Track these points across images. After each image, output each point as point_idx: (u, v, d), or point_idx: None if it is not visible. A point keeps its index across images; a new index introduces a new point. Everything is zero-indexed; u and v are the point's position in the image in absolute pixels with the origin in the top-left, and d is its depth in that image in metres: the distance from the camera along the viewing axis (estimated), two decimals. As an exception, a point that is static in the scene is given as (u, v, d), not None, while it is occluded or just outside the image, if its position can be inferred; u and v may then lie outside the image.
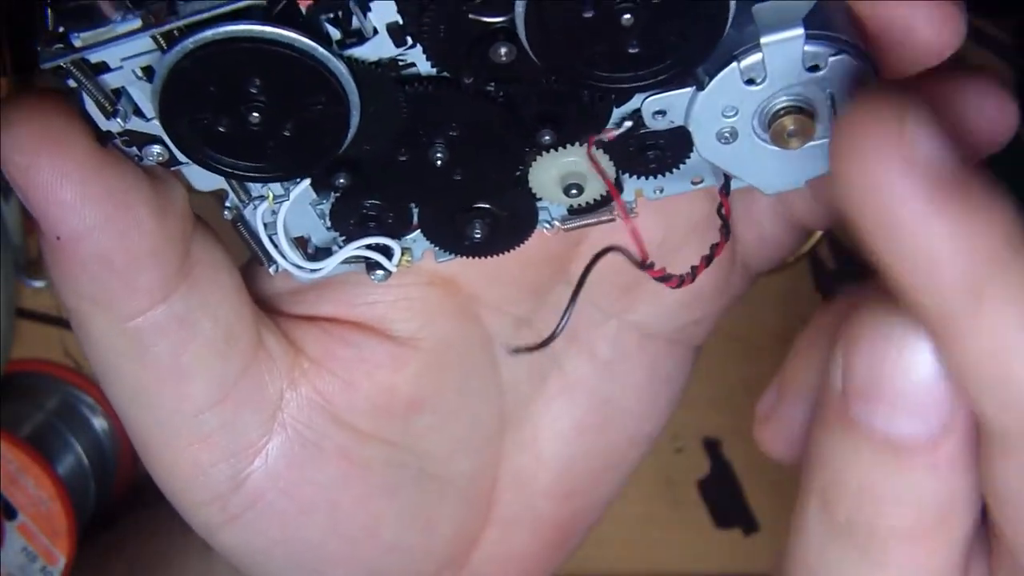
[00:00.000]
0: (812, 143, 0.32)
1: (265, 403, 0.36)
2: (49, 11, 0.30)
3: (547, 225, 0.36)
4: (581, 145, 0.33)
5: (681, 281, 0.36)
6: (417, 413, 0.38)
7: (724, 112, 0.32)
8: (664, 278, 0.36)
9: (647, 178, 0.35)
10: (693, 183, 0.36)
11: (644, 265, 0.36)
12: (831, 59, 0.30)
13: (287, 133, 0.31)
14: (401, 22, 0.30)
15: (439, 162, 0.33)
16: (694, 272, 0.36)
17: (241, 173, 0.32)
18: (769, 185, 0.34)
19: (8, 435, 0.66)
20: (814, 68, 0.31)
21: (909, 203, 0.25)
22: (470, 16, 0.30)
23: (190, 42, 0.29)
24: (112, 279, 0.32)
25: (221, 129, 0.30)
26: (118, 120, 0.31)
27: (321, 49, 0.29)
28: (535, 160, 0.34)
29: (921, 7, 0.30)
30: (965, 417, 0.27)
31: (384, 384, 0.38)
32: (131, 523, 0.66)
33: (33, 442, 0.67)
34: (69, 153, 0.31)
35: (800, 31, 0.30)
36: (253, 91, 0.30)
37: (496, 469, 0.40)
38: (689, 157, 0.34)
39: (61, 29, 0.30)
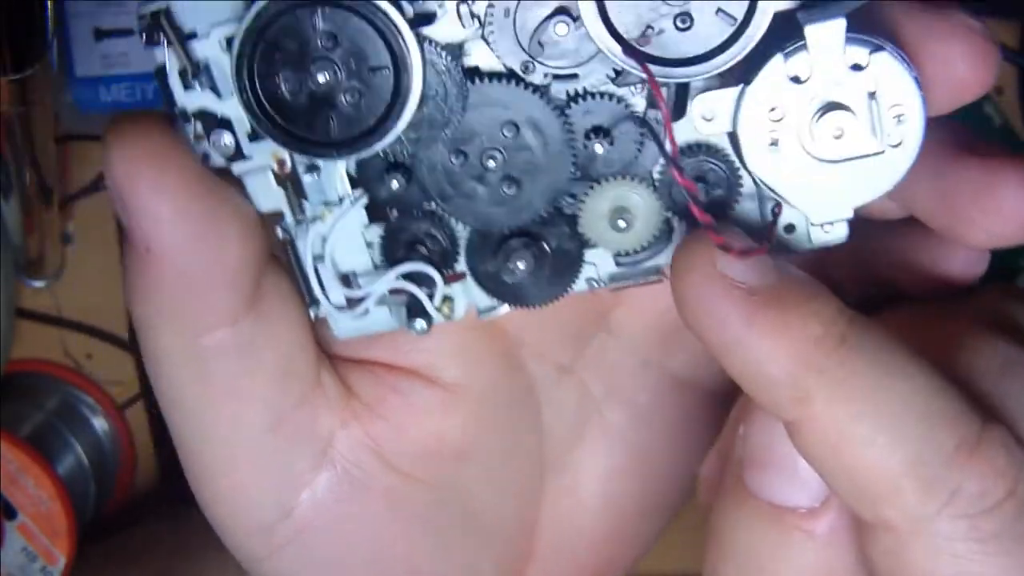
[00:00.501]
0: (856, 156, 0.32)
1: (317, 438, 0.37)
2: None
3: (594, 283, 0.36)
4: (632, 179, 0.34)
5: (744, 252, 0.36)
6: (462, 458, 0.39)
7: (771, 115, 0.32)
8: (724, 246, 0.36)
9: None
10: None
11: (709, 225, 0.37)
12: (872, 56, 0.31)
13: (350, 101, 0.32)
14: (471, 2, 0.32)
15: (491, 165, 0.34)
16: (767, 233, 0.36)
17: (303, 144, 0.32)
18: (816, 213, 0.33)
19: (8, 435, 0.66)
20: (856, 67, 0.31)
21: (729, 325, 0.29)
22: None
23: None
24: (189, 296, 0.34)
25: (289, 89, 0.32)
26: (197, 88, 0.32)
27: (394, 10, 0.31)
28: (585, 195, 0.34)
29: (958, 44, 0.32)
30: None
31: (432, 430, 0.38)
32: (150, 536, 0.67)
33: (33, 442, 0.67)
34: (172, 168, 0.32)
35: (842, 19, 0.31)
36: (325, 49, 0.31)
37: (537, 513, 0.41)
38: (738, 201, 0.34)
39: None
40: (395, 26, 0.31)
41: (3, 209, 0.66)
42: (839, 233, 0.34)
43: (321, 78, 0.32)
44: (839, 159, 0.32)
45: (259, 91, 0.32)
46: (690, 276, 0.30)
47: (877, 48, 0.31)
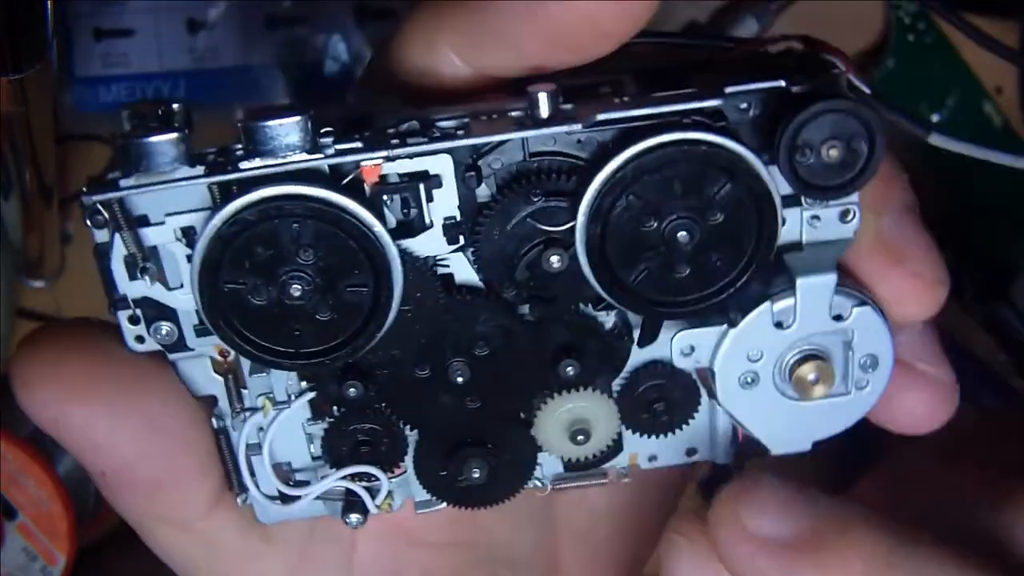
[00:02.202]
0: (826, 399, 0.33)
1: (340, 549, 0.37)
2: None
3: (538, 483, 0.37)
4: (594, 391, 0.34)
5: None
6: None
7: (750, 355, 0.33)
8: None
9: (648, 437, 0.36)
10: (687, 454, 0.37)
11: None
12: (855, 309, 0.32)
13: (321, 316, 0.30)
14: (459, 218, 0.31)
15: (459, 380, 0.33)
16: None
17: (267, 356, 0.31)
18: (776, 443, 0.35)
19: (8, 435, 0.65)
20: (838, 317, 0.32)
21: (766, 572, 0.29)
22: (528, 220, 0.30)
23: (252, 195, 0.28)
24: (166, 497, 0.34)
25: (257, 299, 0.29)
26: (145, 280, 0.30)
27: (380, 227, 0.29)
28: (545, 403, 0.34)
29: (907, 285, 0.33)
30: None
31: None
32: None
33: (33, 442, 0.67)
34: (95, 396, 0.32)
35: (833, 275, 0.32)
36: (301, 261, 0.29)
37: (556, 532, 0.41)
38: (693, 418, 0.35)
39: (111, 176, 0.29)
40: (380, 245, 0.29)
41: (3, 209, 0.66)
42: (803, 447, 0.35)
43: (295, 291, 0.29)
44: (808, 400, 0.33)
45: (222, 298, 0.29)
46: (724, 535, 0.30)
47: (861, 302, 0.32)
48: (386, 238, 0.29)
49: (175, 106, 0.30)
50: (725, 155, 0.29)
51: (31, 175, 0.64)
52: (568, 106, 0.30)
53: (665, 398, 0.35)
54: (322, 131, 0.29)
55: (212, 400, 0.33)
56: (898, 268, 0.33)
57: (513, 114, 0.30)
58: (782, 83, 0.30)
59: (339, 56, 0.65)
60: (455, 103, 0.32)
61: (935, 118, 0.66)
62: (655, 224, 0.30)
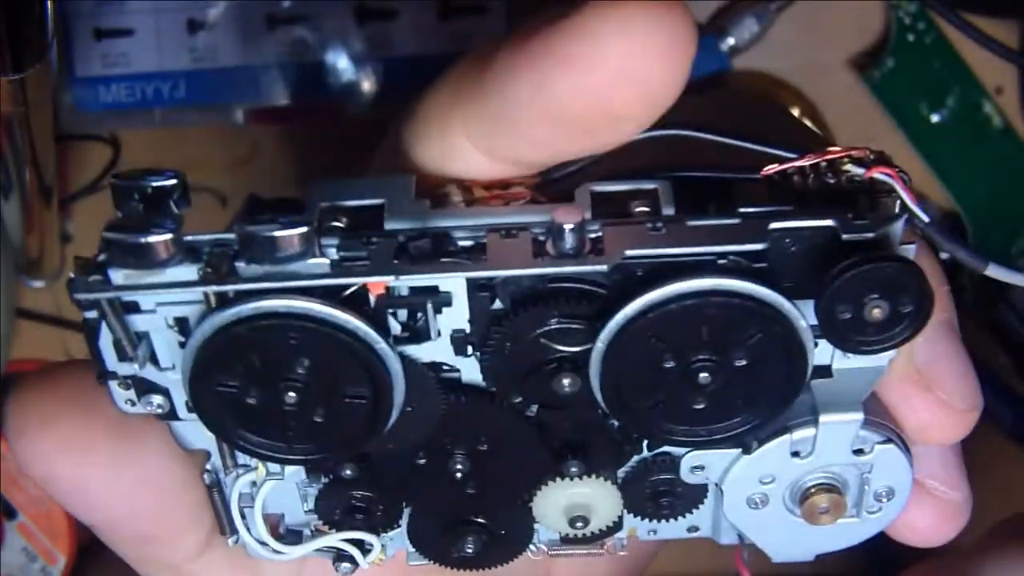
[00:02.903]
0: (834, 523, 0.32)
1: None
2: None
3: (533, 548, 0.35)
4: (597, 478, 0.33)
5: None
6: None
7: (762, 479, 0.32)
8: None
9: (652, 521, 0.35)
10: (688, 530, 0.36)
11: None
12: (878, 447, 0.31)
13: (318, 419, 0.29)
14: (468, 331, 0.29)
15: (459, 472, 0.31)
16: None
17: (257, 450, 0.30)
18: (778, 553, 0.34)
19: (8, 435, 0.65)
20: (859, 452, 0.31)
21: None
22: (542, 340, 0.29)
23: (248, 308, 0.27)
24: (156, 548, 0.34)
25: (250, 401, 0.28)
26: (133, 365, 0.29)
27: (383, 344, 0.28)
28: (545, 485, 0.33)
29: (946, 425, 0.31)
30: None
31: None
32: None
33: (33, 442, 0.67)
34: (88, 455, 0.31)
35: (860, 416, 0.30)
36: (298, 371, 0.28)
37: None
38: (699, 508, 0.34)
39: (101, 258, 0.27)
40: (383, 361, 0.28)
41: (3, 209, 0.66)
42: (805, 557, 0.34)
43: (290, 399, 0.28)
44: (817, 525, 0.32)
45: (214, 398, 0.28)
46: None
47: (885, 440, 0.31)
48: (390, 355, 0.28)
49: (169, 182, 0.28)
50: (765, 310, 0.27)
51: (31, 175, 0.64)
52: (595, 227, 0.28)
53: (672, 492, 0.33)
54: (328, 227, 0.28)
55: (205, 453, 0.33)
56: (927, 395, 0.31)
57: (535, 231, 0.28)
58: (831, 223, 0.27)
59: (339, 56, 0.65)
60: (472, 188, 0.30)
61: (935, 118, 0.66)
62: (675, 363, 0.28)
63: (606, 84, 0.28)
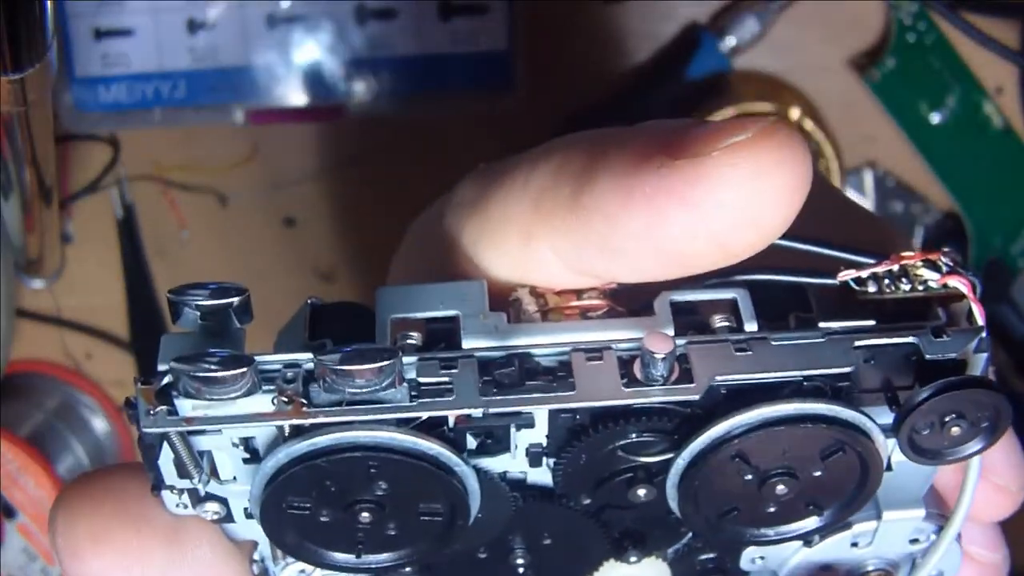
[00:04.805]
0: None
1: None
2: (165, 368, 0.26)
3: None
4: (656, 557, 0.33)
5: None
6: None
7: (820, 566, 0.32)
8: None
9: None
10: None
11: None
12: (933, 535, 0.32)
13: (389, 531, 0.28)
14: (544, 445, 0.29)
15: (520, 568, 0.31)
16: None
17: (326, 563, 0.29)
18: None
19: (8, 435, 0.65)
20: (915, 540, 0.32)
21: None
22: (619, 453, 0.28)
23: (326, 441, 0.26)
24: None
25: (322, 518, 0.28)
26: (194, 482, 0.28)
27: (463, 466, 0.27)
28: (601, 565, 0.33)
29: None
30: None
31: None
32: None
33: (33, 442, 0.67)
34: (144, 567, 0.30)
35: (921, 512, 0.31)
36: (374, 494, 0.27)
37: None
38: None
39: (165, 381, 0.26)
40: (461, 483, 0.27)
41: (3, 209, 0.66)
42: None
43: (364, 518, 0.27)
44: None
45: (286, 518, 0.28)
46: None
47: (941, 529, 0.31)
48: (469, 474, 0.27)
49: (235, 300, 0.27)
50: (848, 430, 0.27)
51: (31, 175, 0.64)
52: (681, 344, 0.28)
53: (722, 569, 0.33)
54: (404, 345, 0.27)
55: (252, 543, 0.32)
56: (983, 482, 0.31)
57: (620, 349, 0.28)
58: (914, 340, 0.27)
59: (339, 56, 0.65)
60: (545, 295, 0.30)
61: (935, 118, 0.66)
62: (752, 476, 0.28)
63: (728, 228, 0.27)
